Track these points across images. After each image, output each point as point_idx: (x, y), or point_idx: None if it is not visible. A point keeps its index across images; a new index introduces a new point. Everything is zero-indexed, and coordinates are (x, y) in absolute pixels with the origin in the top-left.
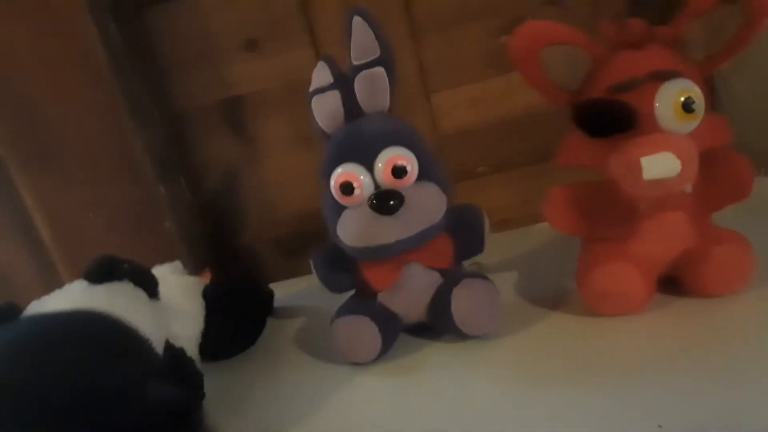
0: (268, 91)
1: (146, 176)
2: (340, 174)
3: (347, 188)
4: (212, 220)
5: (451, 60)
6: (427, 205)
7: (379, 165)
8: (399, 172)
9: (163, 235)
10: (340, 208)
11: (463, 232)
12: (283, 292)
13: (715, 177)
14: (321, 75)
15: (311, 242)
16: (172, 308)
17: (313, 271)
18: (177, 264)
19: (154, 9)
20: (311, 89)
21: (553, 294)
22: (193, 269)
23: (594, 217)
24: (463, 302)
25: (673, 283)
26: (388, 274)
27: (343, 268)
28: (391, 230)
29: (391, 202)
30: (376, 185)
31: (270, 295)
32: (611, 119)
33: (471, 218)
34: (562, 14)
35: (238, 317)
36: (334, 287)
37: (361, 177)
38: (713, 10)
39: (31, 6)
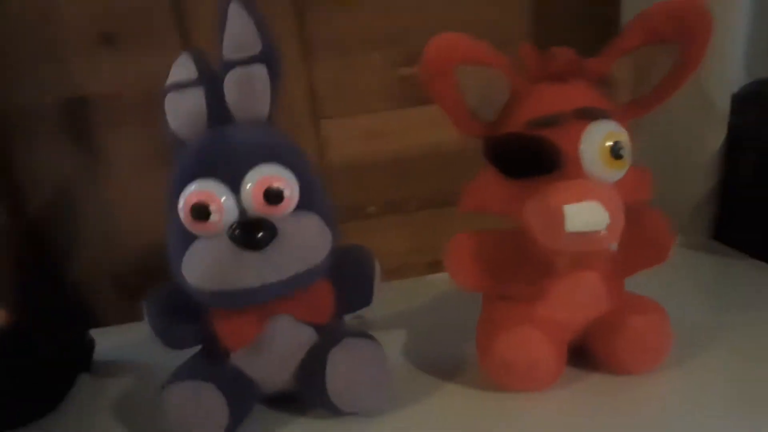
0: (122, 96)
1: None
2: (193, 192)
3: (201, 211)
4: (35, 248)
5: (346, 87)
6: (305, 242)
7: (248, 186)
8: (273, 196)
9: None
10: (190, 238)
11: (348, 279)
12: (113, 340)
13: (633, 237)
14: (182, 68)
15: (159, 281)
16: None
17: (146, 318)
18: None
19: None
20: (168, 83)
21: (449, 360)
22: None
23: (500, 272)
24: (342, 368)
25: (583, 354)
26: (247, 328)
27: (185, 316)
28: (256, 270)
29: (259, 234)
30: (241, 211)
31: (88, 344)
32: (531, 157)
33: (360, 263)
34: None
35: (31, 373)
36: (172, 341)
37: (222, 198)
38: (641, 50)
39: None
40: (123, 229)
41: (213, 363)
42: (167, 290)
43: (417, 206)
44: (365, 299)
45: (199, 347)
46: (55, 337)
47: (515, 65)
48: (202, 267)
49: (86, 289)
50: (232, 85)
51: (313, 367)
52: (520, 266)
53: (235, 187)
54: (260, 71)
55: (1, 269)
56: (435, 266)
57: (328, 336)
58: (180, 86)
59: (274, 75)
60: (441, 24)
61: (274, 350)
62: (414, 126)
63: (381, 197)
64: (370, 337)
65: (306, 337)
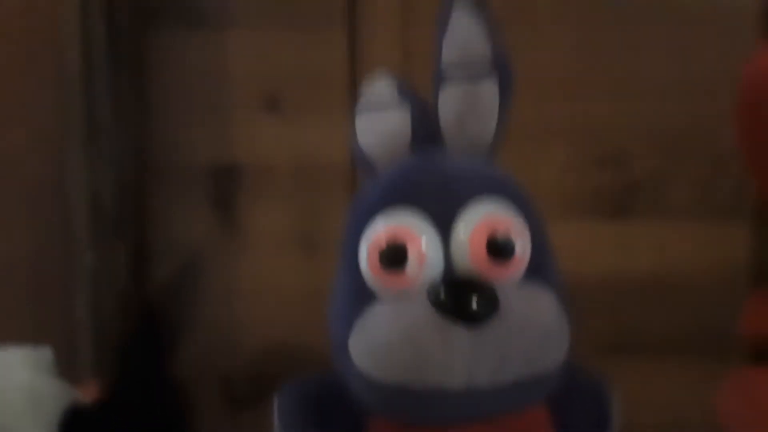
0: (276, 167)
1: (75, 231)
2: (385, 226)
3: (394, 254)
4: (149, 324)
5: None
6: (539, 330)
7: (463, 229)
8: (500, 248)
9: (67, 322)
10: (367, 298)
11: (577, 414)
12: None
13: None
14: (378, 90)
15: (272, 395)
16: None
17: (276, 421)
18: (44, 353)
19: (162, 32)
20: (362, 103)
21: None
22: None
23: None
24: None
25: None
26: None
27: (337, 426)
28: (464, 357)
29: (476, 303)
30: (448, 266)
31: None
32: None
33: (595, 394)
34: None
35: None
36: None
37: (424, 240)
38: None
39: None
40: (245, 319)
41: None
42: (313, 384)
43: (585, 351)
44: None
45: None
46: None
47: None
48: (383, 341)
49: (187, 385)
50: (451, 102)
51: None
52: None
53: (444, 226)
54: (489, 87)
55: (110, 337)
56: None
57: None
58: (377, 108)
59: (505, 93)
60: (652, 116)
61: None
62: (596, 246)
63: None
64: None
65: None
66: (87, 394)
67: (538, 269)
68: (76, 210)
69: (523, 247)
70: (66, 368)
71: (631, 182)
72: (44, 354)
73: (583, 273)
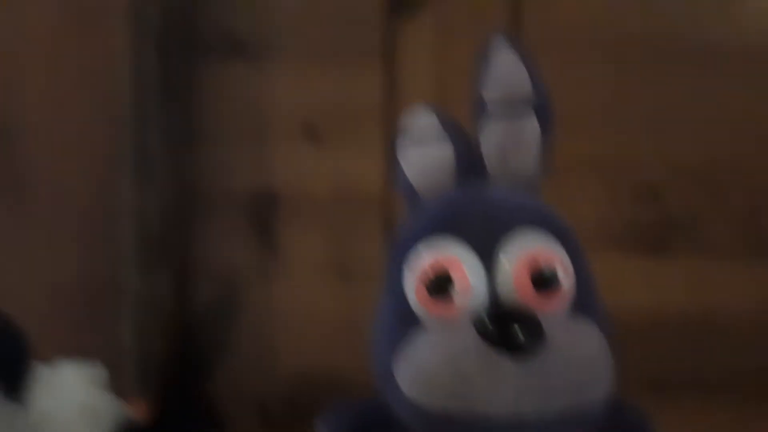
0: (314, 196)
1: (122, 255)
2: (431, 254)
3: (440, 282)
4: (189, 346)
5: None
6: (584, 363)
7: (506, 258)
8: (545, 279)
9: (113, 344)
10: (412, 325)
11: None
12: None
13: None
14: (421, 125)
15: (310, 420)
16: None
17: None
18: (96, 371)
19: (211, 64)
20: (403, 140)
21: None
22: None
23: None
24: None
25: None
26: None
27: None
28: (512, 386)
29: (522, 334)
30: (493, 296)
31: None
32: None
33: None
34: None
35: None
36: None
37: (469, 270)
38: None
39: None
40: (282, 344)
41: None
42: (355, 412)
43: (621, 387)
44: None
45: None
46: None
47: None
48: (430, 369)
49: (224, 407)
50: (493, 137)
51: None
52: None
53: (488, 256)
54: (531, 123)
55: (153, 358)
56: None
57: None
58: (421, 141)
59: (546, 129)
60: (689, 151)
61: None
62: (631, 282)
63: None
64: None
65: None
66: (136, 412)
67: (582, 302)
68: (124, 235)
69: (567, 279)
70: (110, 388)
71: (667, 217)
72: (98, 371)
73: (619, 308)
